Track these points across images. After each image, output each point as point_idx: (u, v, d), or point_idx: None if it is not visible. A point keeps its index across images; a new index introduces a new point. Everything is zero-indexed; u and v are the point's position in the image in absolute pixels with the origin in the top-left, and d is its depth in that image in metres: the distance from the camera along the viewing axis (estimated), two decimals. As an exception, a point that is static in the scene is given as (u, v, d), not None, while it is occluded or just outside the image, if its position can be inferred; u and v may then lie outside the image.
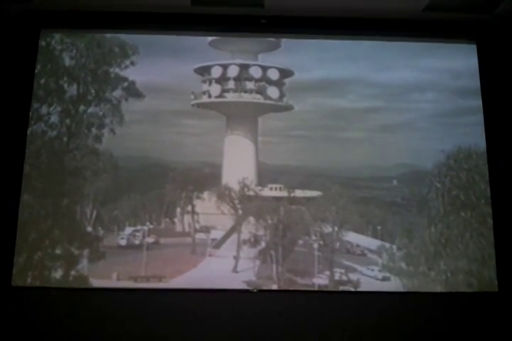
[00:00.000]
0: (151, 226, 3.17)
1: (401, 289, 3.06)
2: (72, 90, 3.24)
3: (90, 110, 3.23)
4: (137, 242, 3.13)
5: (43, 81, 3.23)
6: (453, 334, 2.97)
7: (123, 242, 3.11)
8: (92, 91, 3.25)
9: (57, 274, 3.03)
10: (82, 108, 3.24)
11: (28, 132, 3.14)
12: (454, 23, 3.33)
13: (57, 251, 3.05)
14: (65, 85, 3.24)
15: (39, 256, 3.03)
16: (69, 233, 3.08)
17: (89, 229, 3.11)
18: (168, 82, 3.25)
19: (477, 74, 3.32)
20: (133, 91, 3.25)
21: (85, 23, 3.29)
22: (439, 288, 3.05)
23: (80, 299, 2.97)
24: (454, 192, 3.17)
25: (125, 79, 3.27)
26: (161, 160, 3.21)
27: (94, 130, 3.21)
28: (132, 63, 3.28)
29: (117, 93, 3.26)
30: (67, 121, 3.20)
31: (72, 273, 3.04)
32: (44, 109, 3.20)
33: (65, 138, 3.20)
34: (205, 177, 3.21)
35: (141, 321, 2.92)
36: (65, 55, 3.29)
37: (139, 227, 3.16)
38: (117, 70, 3.28)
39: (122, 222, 3.15)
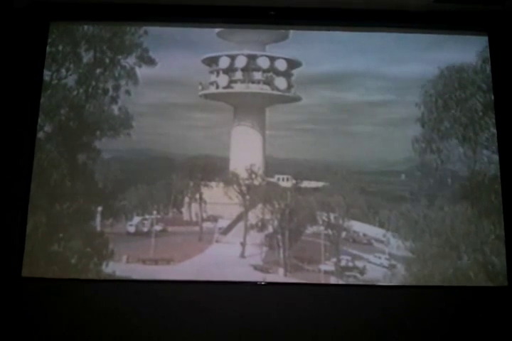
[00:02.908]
0: (159, 216, 3.19)
1: (407, 277, 3.07)
2: (89, 57, 3.30)
3: (106, 74, 3.29)
4: (145, 229, 3.16)
5: (60, 47, 3.29)
6: (461, 328, 2.95)
7: (131, 229, 3.15)
8: (107, 59, 3.31)
9: (72, 228, 3.11)
10: (98, 71, 3.29)
11: (48, 92, 3.23)
12: (466, 15, 3.29)
13: (74, 206, 3.14)
14: (82, 52, 3.30)
15: (57, 209, 3.12)
16: (84, 188, 3.16)
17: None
18: (176, 73, 3.27)
19: (489, 66, 3.29)
20: (146, 59, 3.30)
21: (94, 15, 3.31)
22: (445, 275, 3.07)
23: (89, 289, 3.00)
24: (447, 95, 3.27)
25: (139, 45, 3.32)
26: (168, 153, 3.22)
27: (110, 91, 3.27)
28: (146, 32, 3.33)
29: (131, 60, 3.31)
30: (84, 86, 3.27)
31: (86, 228, 3.11)
32: (62, 73, 3.27)
33: (83, 97, 3.27)
34: (212, 165, 3.22)
35: (147, 312, 2.95)
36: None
37: (147, 216, 3.18)
38: (132, 38, 3.33)
39: (130, 212, 3.17)
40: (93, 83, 3.27)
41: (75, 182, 3.16)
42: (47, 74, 3.25)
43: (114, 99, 3.26)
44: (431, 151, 3.21)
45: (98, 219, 3.13)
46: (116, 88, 3.26)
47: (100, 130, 3.23)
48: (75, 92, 3.25)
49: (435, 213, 3.13)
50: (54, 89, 3.24)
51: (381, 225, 3.16)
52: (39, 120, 3.19)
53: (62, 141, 3.21)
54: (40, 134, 3.19)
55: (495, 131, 3.21)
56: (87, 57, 3.29)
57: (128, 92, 3.26)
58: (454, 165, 3.20)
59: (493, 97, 3.25)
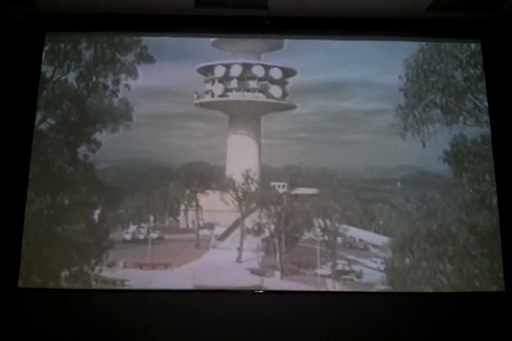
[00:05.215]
0: (154, 225, 3.20)
1: (403, 281, 3.08)
2: (89, 54, 3.35)
3: (107, 69, 3.33)
4: (142, 237, 3.17)
5: (62, 45, 3.34)
6: (459, 334, 2.95)
7: (128, 236, 3.16)
8: (107, 56, 3.35)
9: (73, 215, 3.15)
10: (99, 67, 3.33)
11: (50, 86, 3.29)
12: (459, 23, 3.32)
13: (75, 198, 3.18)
14: (82, 49, 3.35)
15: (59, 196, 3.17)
16: (86, 180, 3.21)
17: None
18: (171, 83, 3.29)
19: (483, 74, 3.32)
20: (145, 56, 3.34)
21: (90, 26, 3.34)
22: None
23: (86, 300, 2.99)
24: (426, 65, 3.36)
25: (138, 42, 3.36)
26: (165, 163, 3.24)
27: (110, 86, 3.32)
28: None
29: (130, 57, 3.35)
30: (84, 82, 3.31)
31: (88, 216, 3.16)
32: (64, 69, 3.32)
33: (85, 91, 3.31)
34: (209, 172, 3.24)
35: (144, 320, 2.95)
36: None
37: (143, 225, 3.19)
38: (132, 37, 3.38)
39: (126, 221, 3.18)
40: (94, 78, 3.31)
41: (76, 170, 3.21)
42: (49, 71, 3.29)
43: (114, 93, 3.30)
44: (413, 117, 3.28)
45: (99, 209, 3.17)
46: (116, 82, 3.31)
47: (101, 122, 3.26)
48: (76, 87, 3.30)
49: (427, 204, 3.17)
50: (55, 84, 3.29)
51: (377, 230, 3.19)
52: (42, 113, 3.24)
53: (64, 132, 3.25)
54: (42, 126, 3.23)
55: (472, 97, 3.31)
56: (87, 54, 3.33)
57: (127, 86, 3.30)
58: (434, 127, 3.27)
59: (472, 71, 3.33)
